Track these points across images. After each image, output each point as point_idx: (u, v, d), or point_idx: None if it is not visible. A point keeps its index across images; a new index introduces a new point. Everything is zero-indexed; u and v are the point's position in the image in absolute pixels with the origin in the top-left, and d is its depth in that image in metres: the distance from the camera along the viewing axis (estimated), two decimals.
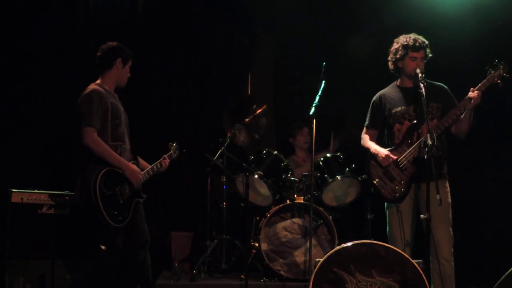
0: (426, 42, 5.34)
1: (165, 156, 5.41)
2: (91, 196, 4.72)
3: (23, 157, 6.40)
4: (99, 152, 4.85)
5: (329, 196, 6.58)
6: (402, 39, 5.38)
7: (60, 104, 6.69)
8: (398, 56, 5.38)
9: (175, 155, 5.59)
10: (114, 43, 5.24)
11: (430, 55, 5.38)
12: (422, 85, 4.98)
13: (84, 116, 4.88)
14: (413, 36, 5.35)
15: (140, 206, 5.16)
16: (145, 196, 5.17)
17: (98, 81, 5.15)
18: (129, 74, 5.26)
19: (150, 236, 5.26)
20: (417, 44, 5.28)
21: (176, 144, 5.64)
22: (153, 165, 5.29)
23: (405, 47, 5.31)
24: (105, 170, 4.82)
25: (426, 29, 5.67)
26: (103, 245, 4.84)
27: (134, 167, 5.03)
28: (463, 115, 5.16)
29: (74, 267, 5.67)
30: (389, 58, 5.48)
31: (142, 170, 5.16)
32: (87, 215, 4.86)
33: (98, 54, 5.19)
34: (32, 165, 6.40)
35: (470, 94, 5.07)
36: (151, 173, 5.23)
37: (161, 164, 5.33)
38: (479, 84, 5.10)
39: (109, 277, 4.93)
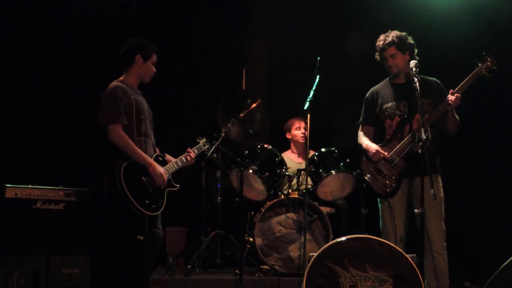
0: (394, 38, 5.34)
1: (189, 150, 5.35)
2: (117, 188, 4.69)
3: (17, 152, 6.39)
4: (125, 149, 4.82)
5: (323, 191, 6.58)
6: (378, 39, 5.45)
7: (54, 99, 6.69)
8: (378, 58, 5.46)
9: (205, 147, 5.58)
10: (135, 40, 5.18)
11: (410, 44, 5.37)
12: (416, 79, 4.98)
13: (110, 113, 4.86)
14: (382, 36, 5.40)
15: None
16: (178, 186, 5.14)
17: (121, 78, 5.12)
18: (153, 70, 5.19)
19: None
20: (381, 44, 5.36)
21: (205, 139, 5.62)
22: (179, 157, 5.24)
23: (376, 49, 5.40)
24: (128, 162, 4.80)
25: (421, 25, 5.69)
26: (140, 236, 4.82)
27: (158, 168, 4.93)
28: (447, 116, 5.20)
29: (68, 262, 5.66)
30: None
31: (168, 163, 5.15)
32: (117, 210, 4.79)
33: (120, 52, 5.15)
34: (26, 160, 6.40)
35: (449, 96, 5.09)
36: (180, 164, 5.19)
37: (186, 159, 5.28)
38: (461, 84, 5.11)
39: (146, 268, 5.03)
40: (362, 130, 5.65)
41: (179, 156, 5.29)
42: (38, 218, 5.56)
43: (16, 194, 5.48)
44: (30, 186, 5.59)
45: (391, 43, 5.33)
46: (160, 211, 4.95)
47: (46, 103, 6.66)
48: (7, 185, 5.46)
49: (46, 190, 5.64)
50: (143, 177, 4.86)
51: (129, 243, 4.84)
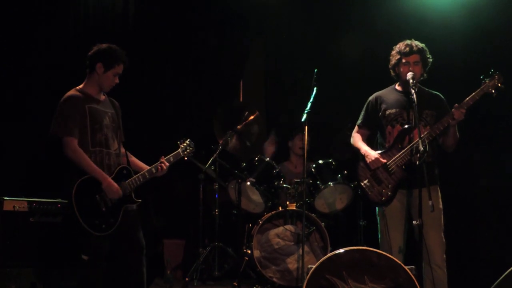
0: (420, 46, 5.34)
1: (163, 159, 5.08)
2: (69, 204, 4.64)
3: (15, 164, 6.37)
4: (78, 162, 4.71)
5: (321, 203, 6.58)
6: (398, 45, 5.42)
7: (51, 111, 6.66)
8: (393, 62, 5.42)
9: (186, 152, 5.27)
10: (102, 46, 4.97)
11: (430, 60, 5.39)
12: (413, 90, 5.00)
13: (62, 125, 4.76)
14: (407, 41, 5.38)
15: (132, 212, 4.95)
16: (139, 200, 4.95)
17: (81, 85, 4.96)
18: (114, 81, 4.96)
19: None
20: (408, 49, 5.30)
21: (189, 141, 5.30)
22: (145, 170, 5.00)
23: (399, 52, 5.35)
24: (83, 178, 4.69)
25: (418, 34, 5.69)
26: (85, 255, 4.74)
27: (111, 182, 4.76)
28: (449, 130, 5.20)
29: (66, 275, 5.64)
30: (389, 66, 5.51)
31: (136, 173, 4.94)
32: (70, 224, 4.75)
33: (87, 55, 4.99)
34: (24, 173, 6.38)
35: (454, 111, 5.09)
36: (147, 176, 4.96)
37: (156, 169, 5.02)
38: (466, 99, 5.11)
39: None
40: (358, 132, 5.65)
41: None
42: (35, 231, 5.55)
43: (14, 207, 5.47)
44: (27, 199, 5.58)
45: (420, 51, 5.32)
46: (112, 230, 4.75)
47: (44, 115, 6.62)
48: (5, 197, 5.46)
49: (44, 202, 5.63)
50: (96, 195, 4.72)
51: (74, 262, 4.80)
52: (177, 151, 5.22)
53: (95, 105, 4.91)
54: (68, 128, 4.74)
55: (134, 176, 4.95)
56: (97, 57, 4.94)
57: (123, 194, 4.83)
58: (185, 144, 5.28)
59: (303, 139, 7.09)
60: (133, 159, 5.16)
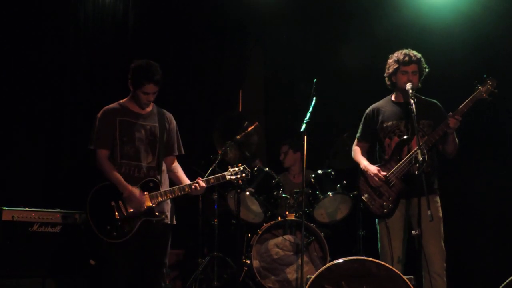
0: (418, 56, 5.37)
1: (199, 180, 5.05)
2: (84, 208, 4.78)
3: (14, 174, 6.36)
4: (103, 172, 4.89)
5: (320, 213, 6.58)
6: (395, 54, 5.43)
7: (51, 121, 6.67)
8: (391, 71, 5.43)
9: (234, 177, 5.19)
10: (137, 63, 5.01)
11: (426, 70, 5.41)
12: (412, 101, 5.01)
13: (92, 138, 4.95)
14: (405, 50, 5.40)
15: (159, 226, 4.94)
16: (161, 216, 4.92)
17: (126, 98, 5.08)
18: (146, 99, 4.97)
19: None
20: (407, 58, 5.32)
21: (243, 167, 5.22)
22: (176, 186, 5.02)
23: (397, 61, 5.36)
24: (103, 184, 4.82)
25: (417, 44, 5.71)
26: (92, 260, 4.78)
27: (132, 191, 4.81)
28: (447, 138, 5.21)
29: (65, 285, 5.63)
30: (384, 74, 5.52)
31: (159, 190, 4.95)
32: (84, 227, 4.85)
33: None
34: (23, 183, 6.37)
35: (449, 119, 5.10)
36: (178, 193, 4.97)
37: (190, 188, 5.00)
38: (461, 106, 5.12)
39: None
40: (357, 145, 5.67)
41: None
42: (34, 241, 5.54)
43: (12, 217, 5.47)
44: (27, 208, 5.57)
45: (418, 61, 5.35)
46: (124, 239, 4.77)
47: (44, 124, 6.64)
48: (4, 207, 5.46)
49: (43, 212, 5.63)
50: (112, 202, 4.81)
51: (82, 266, 4.84)
52: (221, 173, 5.21)
53: (129, 119, 4.99)
54: (95, 140, 4.92)
55: (161, 190, 4.97)
56: (128, 74, 5.01)
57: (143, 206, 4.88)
58: (236, 169, 5.23)
59: (286, 152, 7.17)
60: (179, 174, 5.21)
